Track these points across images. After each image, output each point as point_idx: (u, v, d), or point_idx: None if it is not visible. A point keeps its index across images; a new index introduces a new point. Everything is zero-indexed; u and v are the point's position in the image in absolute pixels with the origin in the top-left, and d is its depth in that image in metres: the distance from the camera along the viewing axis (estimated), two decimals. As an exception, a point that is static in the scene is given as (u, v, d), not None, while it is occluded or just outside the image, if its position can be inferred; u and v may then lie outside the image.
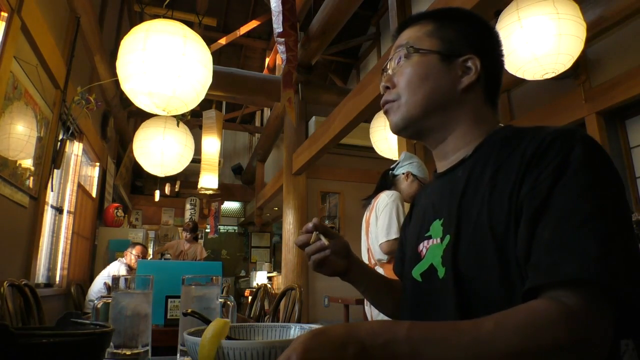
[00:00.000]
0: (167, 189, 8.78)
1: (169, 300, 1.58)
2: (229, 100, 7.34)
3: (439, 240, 0.72)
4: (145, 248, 4.36)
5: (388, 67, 0.81)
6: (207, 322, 0.70)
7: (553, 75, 2.45)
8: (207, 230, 9.79)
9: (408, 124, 0.77)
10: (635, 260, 0.52)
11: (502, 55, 0.79)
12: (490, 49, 0.77)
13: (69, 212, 4.10)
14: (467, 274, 0.64)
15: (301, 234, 0.84)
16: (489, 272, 0.61)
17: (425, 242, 0.76)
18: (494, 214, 0.62)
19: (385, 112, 0.80)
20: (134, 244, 4.34)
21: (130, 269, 4.09)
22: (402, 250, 0.93)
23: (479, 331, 0.49)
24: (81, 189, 4.42)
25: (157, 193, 8.58)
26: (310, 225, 0.81)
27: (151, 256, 6.96)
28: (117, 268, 4.09)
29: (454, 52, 0.74)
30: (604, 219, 0.53)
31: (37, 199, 3.00)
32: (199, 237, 8.94)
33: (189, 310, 0.78)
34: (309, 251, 0.83)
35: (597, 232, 0.52)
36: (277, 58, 7.04)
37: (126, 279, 0.90)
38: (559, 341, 0.48)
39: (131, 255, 4.18)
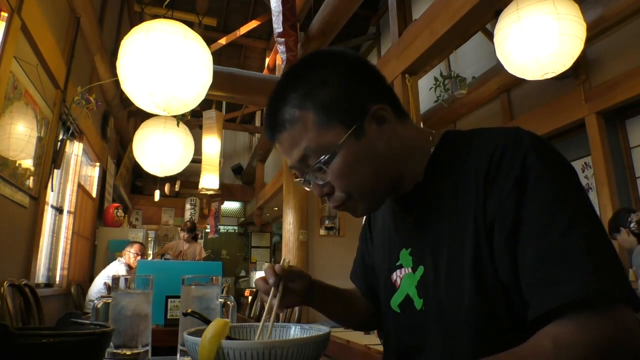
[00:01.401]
0: (167, 189, 8.78)
1: (169, 300, 1.58)
2: (229, 100, 7.34)
3: (410, 270, 0.71)
4: (143, 246, 4.34)
5: (308, 177, 0.69)
6: (207, 322, 0.70)
7: (553, 75, 2.45)
8: (207, 230, 9.79)
9: (375, 209, 0.73)
10: (612, 252, 0.53)
11: (377, 70, 0.71)
12: (374, 80, 0.69)
13: (69, 212, 4.09)
14: (449, 302, 0.63)
15: (266, 278, 0.75)
16: (467, 297, 0.60)
17: (398, 271, 0.74)
18: (464, 238, 0.61)
19: (344, 210, 0.72)
20: (132, 243, 4.32)
21: (129, 268, 4.08)
22: (363, 259, 0.92)
23: None
24: (81, 189, 4.42)
25: (157, 193, 8.58)
26: (272, 280, 0.73)
27: (151, 257, 6.96)
28: (116, 268, 4.08)
29: (359, 118, 0.65)
30: (580, 223, 0.53)
31: (37, 199, 3.00)
32: (199, 237, 8.94)
33: (189, 311, 0.78)
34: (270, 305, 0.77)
35: (580, 240, 0.52)
36: (277, 58, 7.03)
37: (126, 279, 0.90)
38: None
39: (130, 254, 4.16)
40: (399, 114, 0.70)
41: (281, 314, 2.34)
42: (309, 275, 0.80)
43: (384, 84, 0.71)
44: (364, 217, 2.58)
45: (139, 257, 4.12)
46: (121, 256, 4.25)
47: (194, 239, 5.71)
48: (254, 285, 7.39)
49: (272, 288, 0.73)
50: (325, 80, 0.66)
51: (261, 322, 0.71)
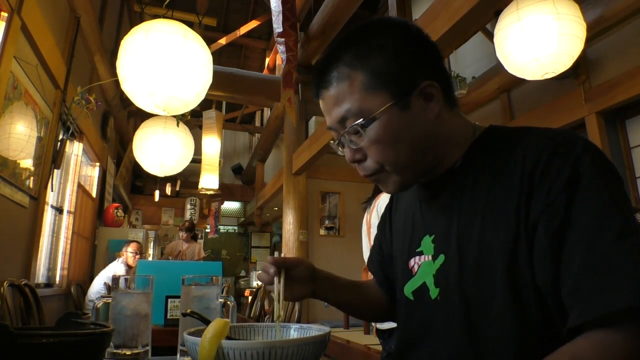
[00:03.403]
0: (167, 189, 8.79)
1: (169, 300, 1.58)
2: (229, 100, 7.35)
3: (430, 257, 0.69)
4: (140, 244, 4.32)
5: (343, 139, 0.68)
6: (207, 322, 0.70)
7: (553, 75, 2.46)
8: (207, 230, 9.80)
9: (407, 186, 0.70)
10: None
11: (438, 50, 0.68)
12: (432, 57, 0.67)
13: (69, 212, 4.09)
14: (475, 296, 0.61)
15: (263, 271, 0.76)
16: (499, 294, 0.58)
17: (417, 257, 0.72)
18: (500, 233, 0.59)
19: (375, 181, 0.71)
20: (129, 242, 4.29)
21: (129, 267, 4.08)
22: (381, 248, 0.90)
23: None
24: (81, 189, 4.42)
25: (157, 193, 8.58)
26: (272, 270, 0.74)
27: (151, 257, 6.96)
28: (115, 268, 4.07)
29: (408, 90, 0.63)
30: (632, 232, 0.51)
31: (37, 199, 3.00)
32: (199, 237, 8.94)
33: (188, 311, 0.78)
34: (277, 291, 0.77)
35: (630, 248, 0.50)
36: (277, 58, 7.04)
37: (126, 279, 0.90)
38: None
39: (128, 253, 4.16)
40: (449, 99, 0.69)
41: (283, 313, 2.34)
42: (310, 262, 0.81)
43: (441, 64, 0.68)
44: (365, 217, 2.55)
45: (138, 256, 4.12)
46: (120, 256, 4.24)
47: (194, 238, 5.70)
48: (254, 285, 7.39)
49: (275, 277, 0.73)
50: (381, 46, 0.64)
51: (275, 312, 0.72)
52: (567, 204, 0.54)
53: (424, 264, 0.71)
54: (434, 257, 0.68)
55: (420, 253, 0.72)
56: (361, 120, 0.63)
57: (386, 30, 0.66)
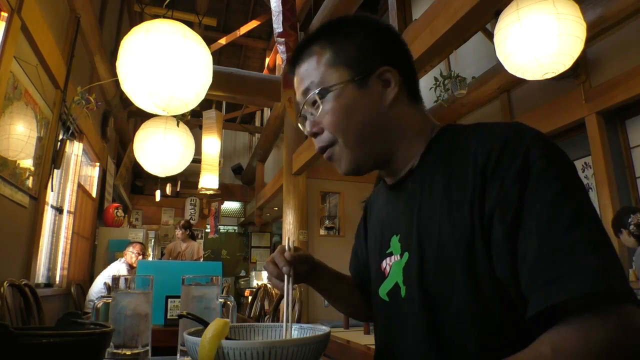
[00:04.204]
0: (167, 189, 8.78)
1: (169, 300, 1.58)
2: (229, 100, 7.34)
3: (398, 256, 0.71)
4: (143, 245, 4.38)
5: (305, 112, 0.74)
6: (203, 323, 0.70)
7: (553, 75, 2.46)
8: (207, 230, 9.80)
9: (356, 165, 0.72)
10: (614, 250, 0.52)
11: (406, 47, 0.74)
12: (397, 50, 0.73)
13: (69, 212, 4.10)
14: (436, 292, 0.62)
15: (278, 264, 0.77)
16: (458, 289, 0.59)
17: (388, 259, 0.74)
18: (457, 229, 0.60)
19: (329, 159, 0.74)
20: (133, 243, 4.35)
21: (131, 267, 4.10)
22: (357, 255, 0.94)
23: None
24: (81, 189, 4.42)
25: (158, 193, 8.58)
26: (285, 269, 0.75)
27: (151, 257, 6.96)
28: (117, 268, 4.09)
29: (366, 71, 0.69)
30: (585, 219, 0.52)
31: (37, 199, 3.00)
32: (199, 237, 8.94)
33: (185, 312, 0.78)
34: (278, 288, 0.80)
35: (584, 236, 0.50)
36: (277, 58, 7.03)
37: (126, 279, 0.90)
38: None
39: (131, 254, 4.18)
40: (411, 94, 0.73)
41: (281, 314, 2.34)
42: (312, 257, 0.84)
43: (408, 60, 0.74)
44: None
45: (140, 257, 4.15)
46: (122, 256, 4.26)
47: (192, 237, 5.69)
48: (254, 285, 7.39)
49: (285, 275, 0.76)
50: (350, 32, 0.72)
51: (284, 315, 0.73)
52: (519, 197, 0.55)
53: (394, 264, 0.72)
54: (401, 255, 0.70)
55: (390, 254, 0.73)
56: (319, 89, 0.70)
57: (358, 22, 0.73)
